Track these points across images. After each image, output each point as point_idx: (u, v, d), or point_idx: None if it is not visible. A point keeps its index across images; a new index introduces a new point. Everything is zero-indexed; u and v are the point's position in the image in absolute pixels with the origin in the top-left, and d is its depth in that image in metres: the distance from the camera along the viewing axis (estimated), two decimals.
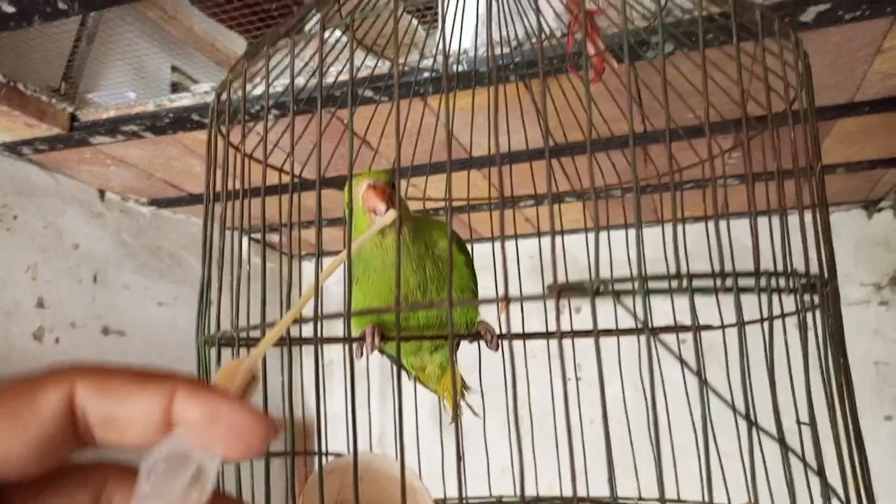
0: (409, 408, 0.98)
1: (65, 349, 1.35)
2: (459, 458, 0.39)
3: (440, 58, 1.00)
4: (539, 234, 0.93)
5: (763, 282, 0.38)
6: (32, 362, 1.28)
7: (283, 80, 1.05)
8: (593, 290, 0.35)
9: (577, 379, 1.05)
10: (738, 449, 0.58)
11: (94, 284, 1.43)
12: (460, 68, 1.06)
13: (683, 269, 0.38)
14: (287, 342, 0.43)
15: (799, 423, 0.50)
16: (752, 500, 0.71)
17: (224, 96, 0.56)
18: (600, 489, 0.88)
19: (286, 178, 0.75)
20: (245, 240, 0.55)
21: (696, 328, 0.36)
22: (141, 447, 0.24)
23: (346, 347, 0.43)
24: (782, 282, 0.40)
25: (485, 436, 0.75)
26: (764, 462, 0.62)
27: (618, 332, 0.65)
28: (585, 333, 0.50)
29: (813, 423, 0.41)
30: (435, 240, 0.72)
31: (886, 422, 1.74)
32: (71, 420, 0.24)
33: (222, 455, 0.24)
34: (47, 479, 0.25)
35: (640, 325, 0.37)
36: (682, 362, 0.35)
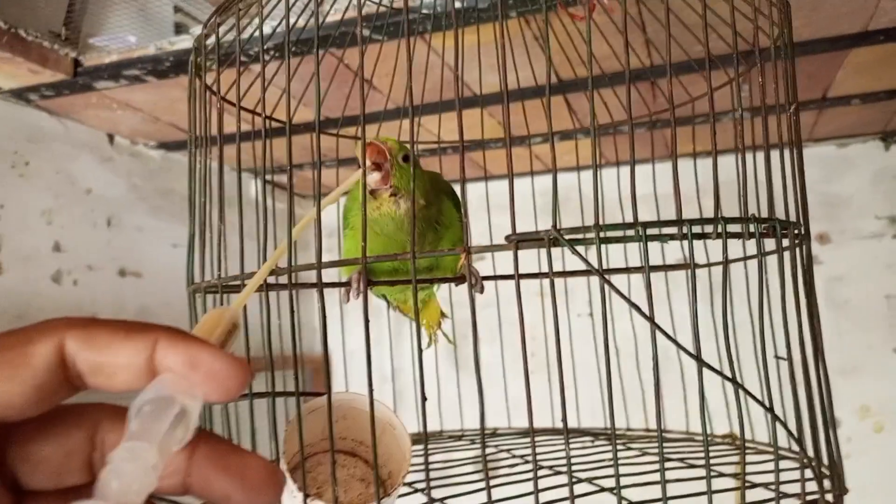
0: (425, 351, 1.00)
1: (83, 291, 1.39)
2: (424, 398, 0.41)
3: None
4: (532, 173, 0.93)
5: (720, 228, 0.38)
6: (53, 304, 1.32)
7: (273, 23, 1.04)
8: (549, 239, 0.36)
9: (589, 315, 1.05)
10: (758, 381, 0.59)
11: (108, 228, 1.47)
12: (459, 5, 1.04)
13: (643, 216, 0.38)
14: (265, 289, 0.45)
15: (777, 357, 0.51)
16: (733, 433, 0.73)
17: (207, 44, 0.56)
18: (591, 420, 0.91)
19: (280, 123, 0.77)
20: (257, 182, 0.56)
21: (648, 269, 0.37)
22: (129, 391, 0.27)
23: (319, 293, 0.45)
24: (741, 227, 0.40)
25: (477, 371, 0.77)
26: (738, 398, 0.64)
27: (567, 273, 0.66)
28: (541, 275, 0.51)
29: (765, 359, 0.42)
30: (440, 207, 0.72)
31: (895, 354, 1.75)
32: (62, 368, 0.26)
33: (203, 398, 0.27)
34: (46, 419, 0.27)
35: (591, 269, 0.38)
36: (631, 304, 0.36)
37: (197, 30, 1.18)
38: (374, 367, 0.73)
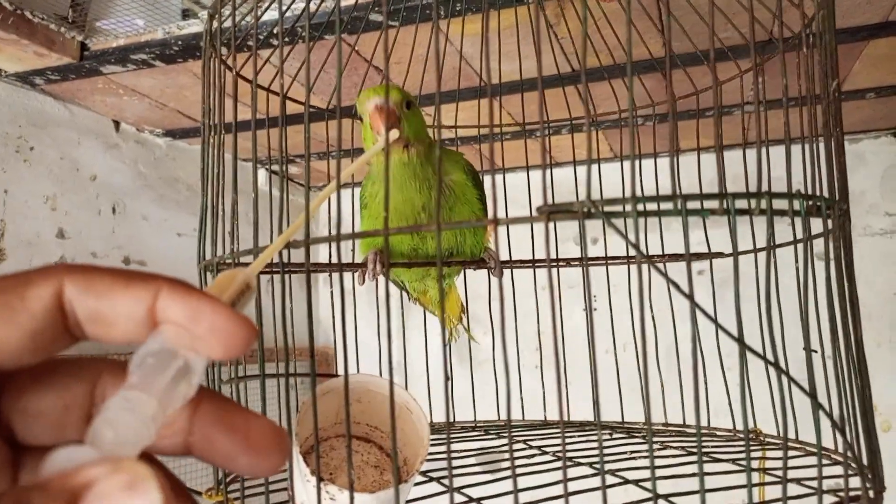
0: (437, 341, 0.97)
1: None
2: (447, 378, 0.39)
3: None
4: (550, 165, 0.91)
5: (763, 203, 0.36)
6: None
7: (283, 7, 1.02)
8: (583, 211, 0.34)
9: (594, 309, 1.03)
10: (766, 378, 0.58)
11: (113, 215, 1.45)
12: None
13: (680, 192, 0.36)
14: (281, 270, 0.43)
15: (807, 349, 0.49)
16: (757, 428, 0.71)
17: (219, 18, 0.55)
18: (603, 414, 0.89)
19: (296, 107, 0.75)
20: (262, 170, 0.54)
21: (688, 256, 0.35)
22: (128, 343, 0.26)
23: (340, 274, 0.43)
24: (785, 204, 0.38)
25: (494, 363, 0.76)
26: (781, 389, 0.62)
27: (606, 260, 0.64)
28: (575, 261, 0.49)
29: (807, 348, 0.40)
30: (447, 169, 0.72)
31: None
32: (60, 314, 0.25)
33: (204, 354, 0.25)
34: (44, 370, 0.26)
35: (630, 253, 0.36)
36: (673, 284, 0.34)
37: (205, 14, 1.16)
38: (385, 358, 0.71)
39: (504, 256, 0.83)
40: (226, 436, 0.26)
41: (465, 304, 0.88)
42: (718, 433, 0.73)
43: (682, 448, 0.65)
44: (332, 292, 0.80)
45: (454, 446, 0.70)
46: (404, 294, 0.87)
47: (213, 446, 0.26)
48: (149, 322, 0.25)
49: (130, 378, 0.24)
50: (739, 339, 0.35)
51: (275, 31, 1.03)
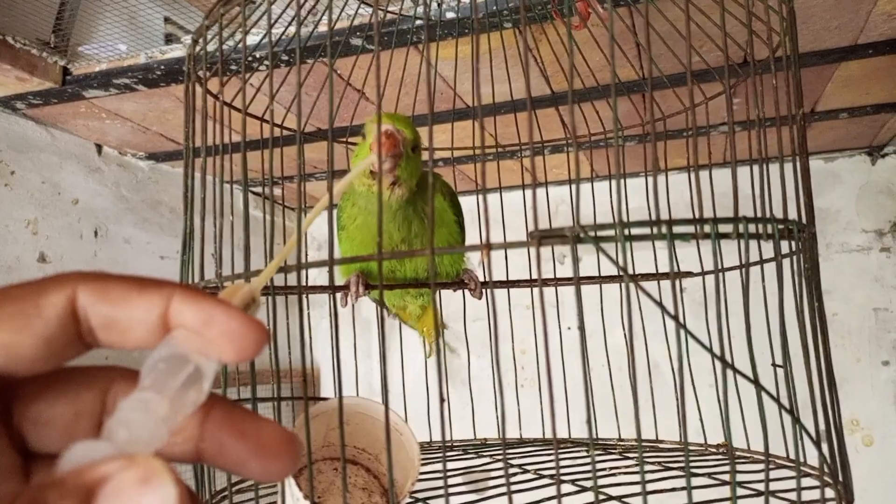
0: (414, 361, 0.97)
1: None
2: (443, 400, 0.40)
3: (430, 3, 0.98)
4: (523, 186, 0.93)
5: (741, 228, 0.38)
6: None
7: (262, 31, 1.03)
8: (573, 237, 0.36)
9: (578, 328, 1.03)
10: (735, 393, 0.59)
11: (95, 239, 1.44)
12: (450, 15, 1.04)
13: (664, 216, 0.38)
14: (271, 292, 0.44)
15: (774, 365, 0.51)
16: (727, 442, 0.73)
17: (201, 43, 0.55)
18: (582, 432, 0.90)
19: (276, 130, 0.76)
20: (238, 190, 0.55)
21: (676, 275, 0.36)
22: (141, 349, 0.26)
23: (331, 296, 0.43)
24: (760, 228, 0.40)
25: (470, 382, 0.76)
26: (740, 403, 0.63)
27: (600, 279, 0.65)
28: (566, 281, 0.51)
29: (786, 365, 0.42)
30: (426, 198, 0.72)
31: (884, 367, 1.76)
32: (74, 321, 0.25)
33: (217, 357, 0.25)
34: (56, 378, 0.26)
35: (620, 273, 0.37)
36: (661, 307, 0.35)
37: (190, 38, 1.17)
38: (362, 380, 0.71)
39: (480, 276, 0.84)
40: (237, 441, 0.26)
41: (442, 318, 0.89)
42: (691, 448, 0.75)
43: (659, 463, 0.66)
44: (308, 314, 0.80)
45: (435, 466, 0.70)
46: (383, 311, 0.87)
47: (224, 451, 0.27)
48: (161, 328, 0.25)
49: (143, 382, 0.24)
50: (721, 358, 0.36)
51: (257, 56, 1.04)
